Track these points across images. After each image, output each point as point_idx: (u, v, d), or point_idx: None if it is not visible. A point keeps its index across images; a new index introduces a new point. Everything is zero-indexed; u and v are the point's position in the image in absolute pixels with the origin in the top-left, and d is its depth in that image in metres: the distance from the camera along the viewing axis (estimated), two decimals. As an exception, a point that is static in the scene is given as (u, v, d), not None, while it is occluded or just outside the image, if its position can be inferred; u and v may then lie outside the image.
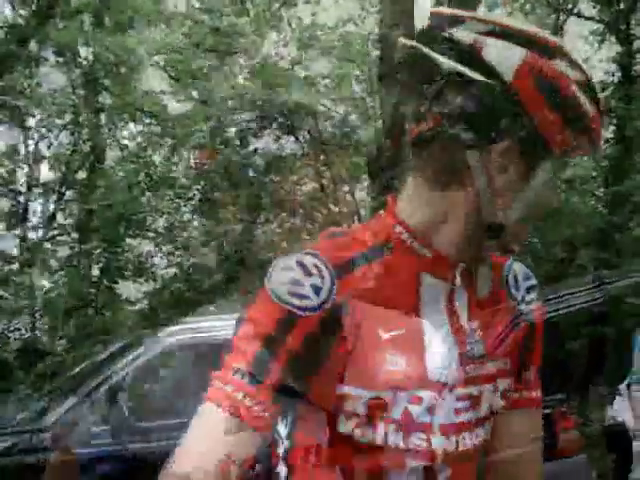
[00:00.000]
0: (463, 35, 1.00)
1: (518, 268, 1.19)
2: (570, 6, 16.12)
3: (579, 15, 16.07)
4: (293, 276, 0.99)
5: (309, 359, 0.98)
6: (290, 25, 14.75)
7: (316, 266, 1.00)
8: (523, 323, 1.16)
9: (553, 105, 0.99)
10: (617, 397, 7.58)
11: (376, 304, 1.01)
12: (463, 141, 1.01)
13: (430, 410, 1.04)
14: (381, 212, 1.12)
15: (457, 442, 1.07)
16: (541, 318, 1.21)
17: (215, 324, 4.70)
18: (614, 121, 13.62)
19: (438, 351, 1.05)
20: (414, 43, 1.03)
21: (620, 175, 12.99)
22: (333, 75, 13.51)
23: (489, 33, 1.00)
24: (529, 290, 1.18)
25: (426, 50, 1.01)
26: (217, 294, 10.24)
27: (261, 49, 13.66)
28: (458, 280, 1.07)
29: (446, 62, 1.00)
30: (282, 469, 1.06)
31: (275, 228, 12.80)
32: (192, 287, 11.52)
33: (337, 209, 12.80)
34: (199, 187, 13.17)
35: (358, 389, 1.00)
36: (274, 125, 11.90)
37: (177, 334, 4.52)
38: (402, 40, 1.06)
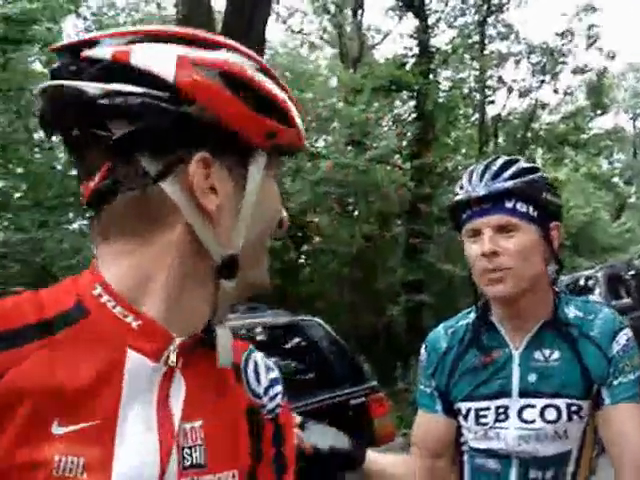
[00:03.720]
0: (100, 52, 0.81)
1: (259, 358, 0.99)
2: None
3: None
4: None
5: None
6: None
7: None
8: (267, 424, 0.94)
9: (235, 94, 0.81)
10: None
11: (56, 388, 0.75)
12: (150, 175, 0.79)
13: None
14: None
15: None
16: (290, 419, 1.00)
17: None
18: (414, 95, 14.13)
19: (132, 458, 0.78)
20: (49, 82, 0.81)
21: (423, 148, 13.53)
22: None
23: (132, 42, 0.81)
24: (273, 383, 0.98)
25: (66, 83, 0.80)
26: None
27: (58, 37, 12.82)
28: (173, 358, 0.82)
29: (91, 86, 0.79)
30: None
31: None
32: None
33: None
34: None
35: None
36: None
37: None
38: (39, 87, 0.82)
